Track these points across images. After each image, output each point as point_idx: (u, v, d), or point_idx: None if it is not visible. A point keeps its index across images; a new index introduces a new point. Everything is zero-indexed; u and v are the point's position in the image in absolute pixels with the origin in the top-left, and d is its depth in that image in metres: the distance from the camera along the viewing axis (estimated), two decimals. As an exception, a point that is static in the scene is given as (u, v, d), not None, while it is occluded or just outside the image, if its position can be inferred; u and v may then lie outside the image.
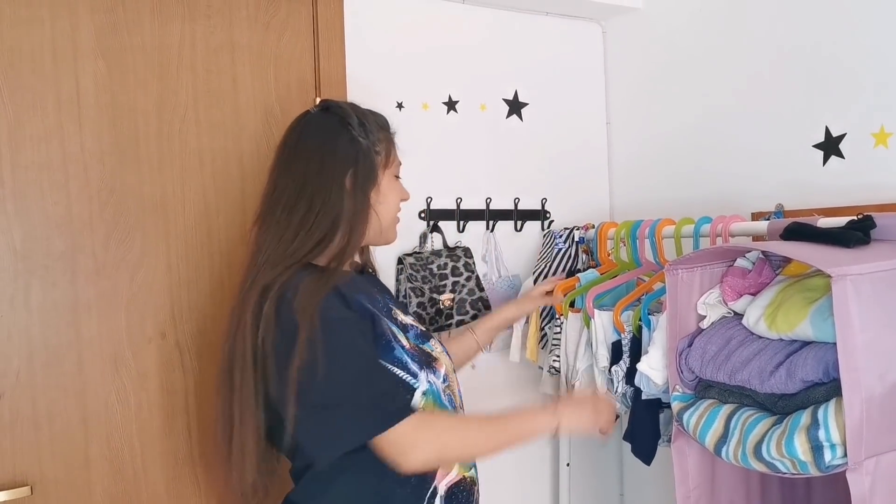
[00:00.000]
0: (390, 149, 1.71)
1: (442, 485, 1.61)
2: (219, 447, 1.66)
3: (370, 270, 1.86)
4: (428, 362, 1.63)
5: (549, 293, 2.18)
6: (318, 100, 2.12)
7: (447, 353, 1.77)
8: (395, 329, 1.62)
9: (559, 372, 2.17)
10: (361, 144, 1.64)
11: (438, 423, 1.59)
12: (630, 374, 1.91)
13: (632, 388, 1.91)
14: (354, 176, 1.62)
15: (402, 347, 1.60)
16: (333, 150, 1.63)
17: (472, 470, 1.70)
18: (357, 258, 1.79)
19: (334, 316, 1.50)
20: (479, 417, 1.66)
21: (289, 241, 1.58)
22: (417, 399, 1.57)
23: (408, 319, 1.72)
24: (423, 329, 1.74)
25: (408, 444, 1.49)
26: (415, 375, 1.58)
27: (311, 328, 1.45)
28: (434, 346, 1.72)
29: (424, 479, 1.59)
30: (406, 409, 1.51)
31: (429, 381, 1.60)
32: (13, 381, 1.79)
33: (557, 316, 2.17)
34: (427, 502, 1.59)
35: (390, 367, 1.56)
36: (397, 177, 1.74)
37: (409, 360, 1.58)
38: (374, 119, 1.70)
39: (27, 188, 1.81)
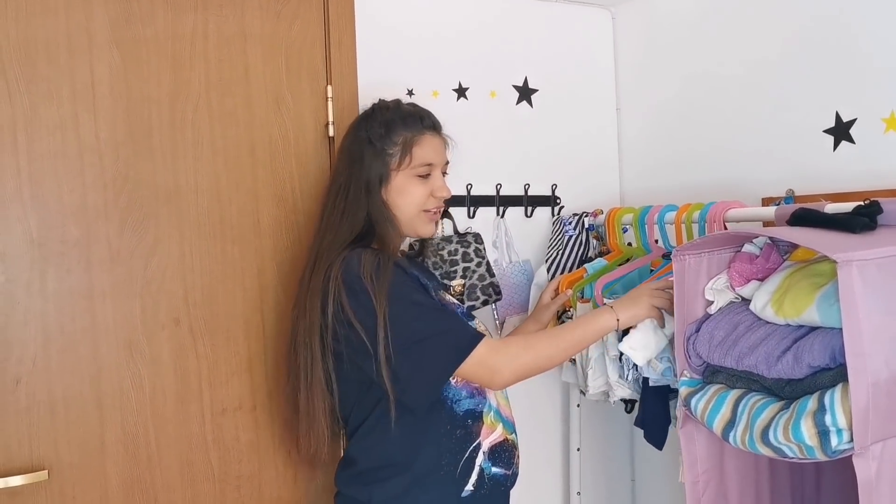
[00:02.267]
0: (406, 151, 1.80)
1: (486, 442, 1.77)
2: (289, 419, 1.90)
3: (422, 260, 2.10)
4: None
5: (556, 291, 2.21)
6: (329, 89, 2.15)
7: (490, 334, 1.92)
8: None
9: (575, 362, 2.18)
10: (375, 147, 1.80)
11: (511, 345, 1.74)
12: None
13: (642, 375, 1.92)
14: (368, 176, 1.79)
15: None
16: (351, 151, 1.84)
17: (514, 434, 1.86)
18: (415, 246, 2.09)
19: (396, 279, 1.68)
20: (546, 331, 1.87)
21: (335, 227, 1.79)
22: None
23: (453, 301, 1.93)
24: (466, 311, 1.91)
25: (491, 367, 1.68)
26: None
27: (382, 285, 1.64)
28: (477, 325, 1.87)
29: (469, 434, 1.75)
30: (478, 335, 1.69)
31: None
32: (30, 367, 1.82)
33: (567, 309, 2.18)
34: (469, 455, 1.75)
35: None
36: (424, 176, 1.84)
37: None
38: (403, 120, 1.82)
39: (43, 177, 1.84)
